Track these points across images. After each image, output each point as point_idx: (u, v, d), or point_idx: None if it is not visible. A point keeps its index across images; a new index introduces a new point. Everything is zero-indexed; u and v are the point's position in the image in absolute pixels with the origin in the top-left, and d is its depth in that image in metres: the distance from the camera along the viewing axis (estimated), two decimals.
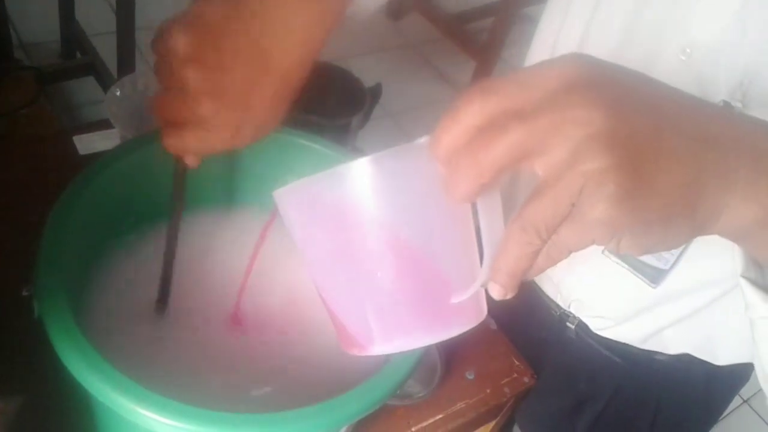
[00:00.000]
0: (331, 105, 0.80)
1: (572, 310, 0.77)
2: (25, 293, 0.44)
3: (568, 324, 0.78)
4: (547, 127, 0.30)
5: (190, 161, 0.49)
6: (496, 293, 0.34)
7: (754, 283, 0.40)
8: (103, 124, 0.81)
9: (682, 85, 0.57)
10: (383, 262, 0.36)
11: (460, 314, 0.38)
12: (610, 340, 0.76)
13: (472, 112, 0.32)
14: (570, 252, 0.33)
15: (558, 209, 0.31)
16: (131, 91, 0.74)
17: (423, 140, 0.34)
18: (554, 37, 0.69)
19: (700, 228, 0.34)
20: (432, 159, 0.33)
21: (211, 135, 0.45)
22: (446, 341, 0.39)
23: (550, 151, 0.31)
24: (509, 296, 0.34)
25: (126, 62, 1.75)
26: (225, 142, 0.46)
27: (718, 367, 0.74)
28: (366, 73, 0.86)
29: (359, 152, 0.86)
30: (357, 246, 0.36)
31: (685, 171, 0.32)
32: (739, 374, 0.77)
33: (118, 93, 0.73)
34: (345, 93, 0.82)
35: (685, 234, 0.34)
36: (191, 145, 0.46)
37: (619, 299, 0.72)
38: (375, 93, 0.84)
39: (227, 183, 0.61)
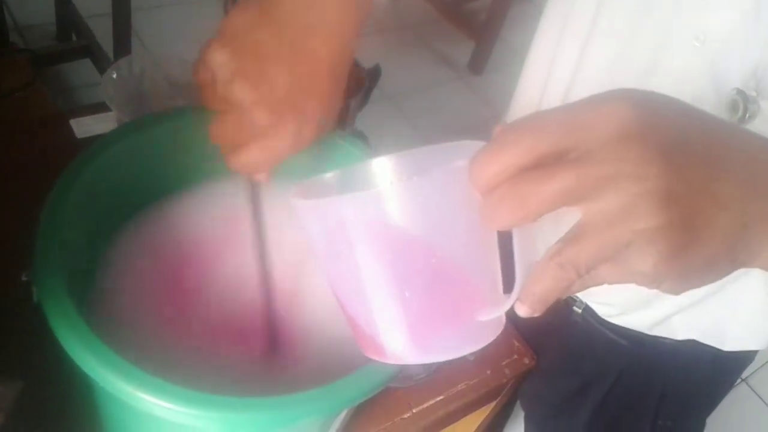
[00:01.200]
0: None
1: (579, 295, 0.77)
2: (24, 278, 0.44)
3: (574, 308, 0.78)
4: (600, 178, 0.30)
5: (262, 178, 0.48)
6: (524, 312, 0.35)
7: None
8: (100, 107, 0.80)
9: (695, 72, 0.57)
10: (415, 280, 0.36)
11: (484, 329, 0.38)
12: (617, 325, 0.76)
13: (521, 148, 0.31)
14: (605, 284, 0.34)
15: (601, 255, 0.32)
16: (128, 73, 0.73)
17: (460, 163, 0.34)
18: (561, 24, 0.68)
19: (740, 266, 0.35)
20: (470, 184, 0.33)
21: (274, 144, 0.45)
22: None
23: (600, 200, 0.31)
24: (536, 315, 0.35)
25: (122, 44, 1.74)
26: (289, 147, 0.46)
27: (725, 351, 0.74)
28: (364, 54, 0.85)
29: (359, 135, 0.85)
30: (388, 265, 0.36)
31: (731, 221, 0.32)
32: (743, 359, 0.77)
33: (114, 76, 0.73)
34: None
35: (724, 274, 0.34)
36: (258, 160, 0.46)
37: (626, 287, 0.72)
38: (373, 75, 0.84)
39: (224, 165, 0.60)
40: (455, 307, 0.37)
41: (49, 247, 0.43)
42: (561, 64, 0.68)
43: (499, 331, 0.39)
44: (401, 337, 0.37)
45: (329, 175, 0.42)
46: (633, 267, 0.32)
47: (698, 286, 0.35)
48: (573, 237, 0.32)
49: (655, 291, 0.35)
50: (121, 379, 0.38)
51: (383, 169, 0.43)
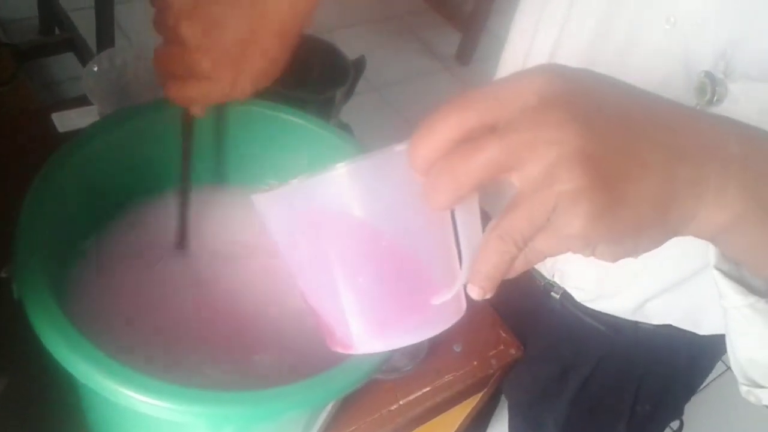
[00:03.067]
0: (314, 79, 0.79)
1: (556, 280, 0.77)
2: (3, 275, 0.43)
3: (552, 294, 0.79)
4: (522, 145, 0.31)
5: (196, 111, 0.50)
6: (476, 294, 0.35)
7: (727, 275, 0.41)
8: (82, 101, 0.79)
9: (667, 54, 0.57)
10: (367, 266, 0.37)
11: (442, 313, 0.38)
12: (595, 310, 0.77)
13: (449, 125, 0.33)
14: (546, 257, 0.35)
15: (533, 222, 0.32)
16: (109, 66, 0.72)
17: (401, 147, 0.34)
18: (539, 9, 0.68)
19: (672, 233, 0.35)
20: (410, 167, 0.34)
21: (210, 87, 0.47)
22: None
23: (525, 167, 0.32)
24: (488, 296, 0.35)
25: (105, 37, 1.72)
26: (224, 94, 0.48)
27: (702, 336, 0.74)
28: (350, 45, 0.85)
29: (344, 127, 0.85)
30: (340, 251, 0.36)
31: (657, 183, 0.33)
32: (721, 343, 0.78)
33: (95, 69, 0.72)
34: (328, 66, 0.81)
35: (657, 240, 0.35)
36: (193, 97, 0.48)
37: (601, 271, 0.72)
38: (359, 66, 0.83)
39: (211, 162, 0.60)
40: (410, 293, 0.37)
41: (29, 242, 0.43)
42: (538, 50, 0.68)
43: (459, 315, 0.39)
44: (359, 325, 0.38)
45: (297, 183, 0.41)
46: (562, 231, 0.32)
47: (633, 252, 0.35)
48: (507, 207, 0.33)
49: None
50: (103, 376, 0.38)
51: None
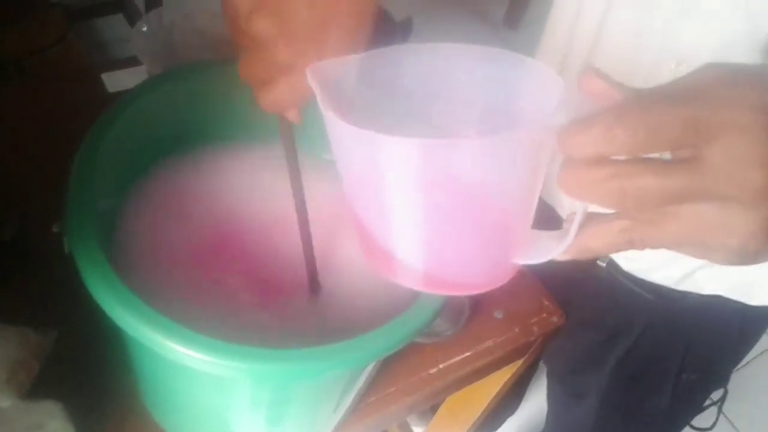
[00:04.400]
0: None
1: None
2: (55, 230, 0.44)
3: (598, 262, 0.78)
4: (711, 194, 0.30)
5: (292, 116, 0.48)
6: (562, 258, 0.36)
7: None
8: (132, 61, 0.80)
9: (727, 13, 0.55)
10: (465, 225, 0.36)
11: (505, 272, 0.38)
12: (642, 279, 0.75)
13: (634, 146, 0.30)
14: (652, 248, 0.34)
15: (675, 243, 0.32)
16: (157, 26, 0.73)
17: (539, 127, 0.32)
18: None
19: None
20: (560, 144, 0.31)
21: (299, 81, 0.43)
22: None
23: (700, 206, 0.30)
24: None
25: (154, 1, 1.73)
26: None
27: (752, 307, 0.73)
28: (395, 8, 0.84)
29: None
30: (441, 206, 0.35)
31: None
32: None
33: (144, 29, 0.72)
34: (374, 28, 0.80)
35: None
36: (285, 97, 0.45)
37: None
38: (405, 27, 0.82)
39: (256, 121, 0.60)
40: (497, 249, 0.37)
41: (79, 198, 0.44)
42: (589, 10, 0.66)
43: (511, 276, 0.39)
44: (427, 268, 0.37)
45: (351, 58, 0.40)
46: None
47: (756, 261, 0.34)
48: (651, 222, 0.32)
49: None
50: (151, 329, 0.39)
51: (421, 63, 0.40)
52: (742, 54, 0.55)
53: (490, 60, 0.38)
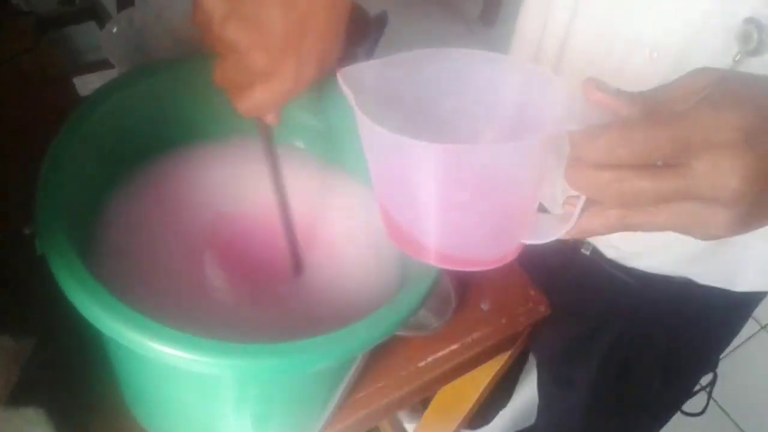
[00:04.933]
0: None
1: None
2: (26, 231, 0.43)
3: (582, 250, 0.77)
4: (699, 194, 0.35)
5: (271, 119, 0.48)
6: (564, 237, 0.40)
7: None
8: (103, 65, 0.79)
9: (701, 1, 0.55)
10: (485, 214, 0.40)
11: (514, 250, 0.43)
12: (625, 266, 0.75)
13: (635, 156, 0.35)
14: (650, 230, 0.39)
15: (666, 227, 0.37)
16: (128, 26, 0.72)
17: (555, 130, 0.37)
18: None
19: None
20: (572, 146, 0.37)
21: (274, 85, 0.44)
22: (460, 273, 0.44)
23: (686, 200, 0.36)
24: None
25: (125, 5, 1.72)
26: (291, 88, 0.45)
27: (736, 292, 0.73)
28: (370, 5, 0.83)
29: None
30: (462, 196, 0.39)
31: None
32: (755, 298, 0.77)
33: (114, 30, 0.71)
34: (349, 23, 0.80)
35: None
36: (263, 101, 0.45)
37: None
38: (380, 22, 0.82)
39: (228, 115, 0.59)
40: (508, 231, 0.42)
41: (50, 198, 0.43)
42: (558, 3, 0.66)
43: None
44: (439, 244, 0.41)
45: (373, 63, 0.43)
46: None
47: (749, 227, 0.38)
48: (644, 212, 0.37)
49: (659, 234, 0.39)
50: (129, 329, 0.38)
51: (433, 67, 0.44)
52: (716, 42, 0.55)
53: (495, 64, 0.44)
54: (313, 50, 0.44)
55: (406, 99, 0.45)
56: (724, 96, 0.36)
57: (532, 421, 1.13)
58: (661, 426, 0.92)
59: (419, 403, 1.19)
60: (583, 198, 0.39)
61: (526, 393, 1.19)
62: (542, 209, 0.77)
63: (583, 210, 0.39)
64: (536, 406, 1.07)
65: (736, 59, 0.55)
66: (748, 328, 0.83)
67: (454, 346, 0.70)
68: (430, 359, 0.69)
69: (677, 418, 0.91)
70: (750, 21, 0.52)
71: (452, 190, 0.39)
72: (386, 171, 0.41)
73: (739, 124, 0.34)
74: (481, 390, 0.88)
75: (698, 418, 0.90)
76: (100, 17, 1.74)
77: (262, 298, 0.51)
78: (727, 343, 0.83)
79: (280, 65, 0.43)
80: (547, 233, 0.41)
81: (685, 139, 0.35)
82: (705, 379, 0.89)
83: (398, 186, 0.41)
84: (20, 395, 0.50)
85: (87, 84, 0.79)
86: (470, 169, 0.38)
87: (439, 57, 0.43)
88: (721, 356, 0.86)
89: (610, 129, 0.36)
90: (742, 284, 0.72)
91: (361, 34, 0.79)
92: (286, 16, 0.43)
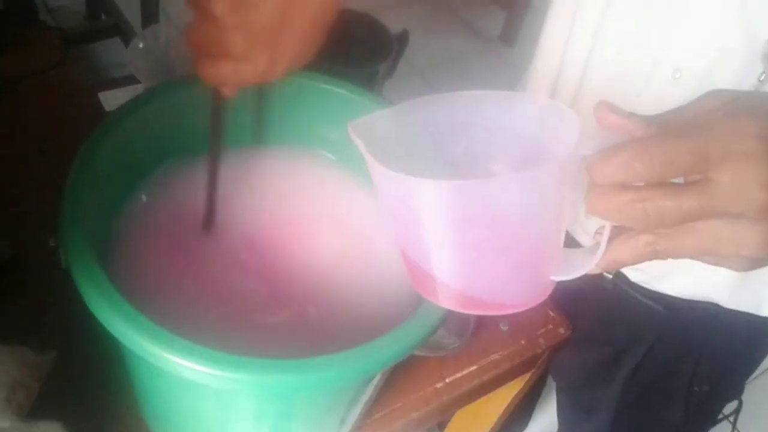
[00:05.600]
0: (358, 53, 0.78)
1: None
2: (52, 243, 0.44)
3: (605, 274, 0.76)
4: (722, 212, 0.34)
5: (227, 92, 0.49)
6: (594, 272, 0.39)
7: None
8: (129, 80, 0.80)
9: (725, 22, 0.55)
10: (500, 253, 0.39)
11: (543, 290, 0.41)
12: (649, 290, 0.74)
13: (652, 175, 0.34)
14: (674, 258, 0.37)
15: (697, 254, 0.37)
16: (153, 43, 0.73)
17: (563, 158, 0.36)
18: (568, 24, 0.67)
19: None
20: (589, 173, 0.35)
21: (245, 68, 0.45)
22: None
23: (714, 221, 0.35)
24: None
25: (150, 21, 1.75)
26: (259, 75, 0.46)
27: (762, 317, 0.72)
28: (392, 26, 0.84)
29: (387, 101, 0.84)
30: (474, 236, 0.38)
31: None
32: None
33: (140, 45, 0.72)
34: (371, 41, 0.80)
35: None
36: (226, 77, 0.46)
37: None
38: (402, 40, 0.82)
39: (254, 126, 0.60)
40: (532, 270, 0.40)
41: (74, 211, 0.43)
42: (580, 24, 0.66)
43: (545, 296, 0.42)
44: (470, 292, 0.40)
45: (383, 113, 0.43)
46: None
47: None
48: (671, 236, 0.36)
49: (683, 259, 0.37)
50: (151, 342, 0.38)
51: (443, 110, 0.44)
52: (740, 61, 0.55)
53: (504, 101, 0.42)
54: (290, 49, 0.46)
55: (419, 146, 0.44)
56: (740, 108, 0.34)
57: None
58: None
59: (436, 425, 1.18)
60: (608, 226, 0.38)
61: (545, 419, 1.18)
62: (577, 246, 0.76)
63: (609, 240, 0.38)
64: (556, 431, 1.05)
65: (761, 79, 0.54)
66: None
67: (472, 367, 0.70)
68: (448, 380, 0.68)
69: None
70: None
71: (464, 229, 0.37)
72: (399, 213, 0.40)
73: (759, 132, 0.33)
74: (499, 413, 0.87)
75: None
76: (124, 33, 1.77)
77: (281, 312, 0.51)
78: (753, 370, 0.81)
79: (255, 53, 0.44)
80: (576, 268, 0.40)
81: (704, 150, 0.33)
82: (729, 407, 0.87)
83: (413, 228, 0.40)
84: (40, 408, 0.50)
85: (112, 99, 0.80)
86: (479, 205, 0.36)
87: (447, 101, 0.43)
88: (746, 383, 0.84)
89: (625, 146, 0.34)
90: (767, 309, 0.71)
91: (383, 52, 0.79)
92: (276, 9, 0.44)
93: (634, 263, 0.38)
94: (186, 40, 0.46)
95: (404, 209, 0.39)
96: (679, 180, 0.35)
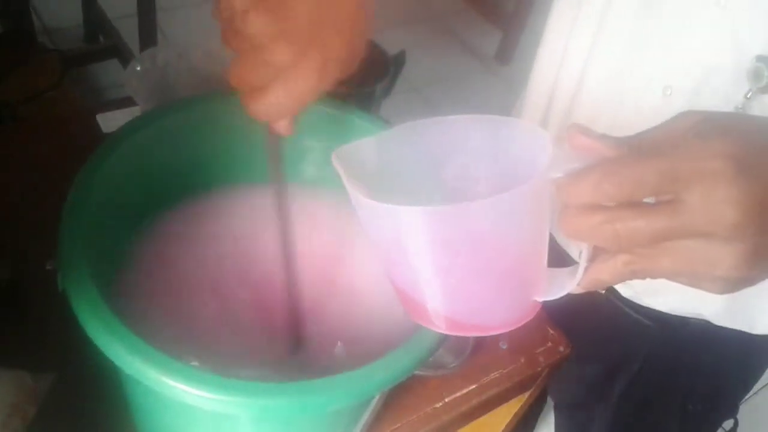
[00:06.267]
0: (355, 73, 0.78)
1: None
2: (48, 267, 0.44)
3: (598, 290, 0.77)
4: (693, 232, 0.34)
5: (284, 127, 0.44)
6: (576, 291, 0.39)
7: None
8: (127, 103, 0.80)
9: (715, 37, 0.55)
10: (482, 275, 0.39)
11: (529, 310, 0.42)
12: (642, 306, 0.74)
13: (622, 195, 0.34)
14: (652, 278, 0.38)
15: (676, 275, 0.36)
16: (151, 65, 0.73)
17: (540, 179, 0.36)
18: (576, 6, 0.67)
19: None
20: (554, 191, 0.36)
21: (297, 84, 0.41)
22: None
23: (686, 240, 0.34)
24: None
25: (148, 43, 1.76)
26: (314, 87, 0.41)
27: (755, 335, 0.72)
28: (389, 45, 0.84)
29: (386, 122, 0.84)
30: (456, 262, 0.38)
31: None
32: None
33: (138, 68, 0.72)
34: (368, 61, 0.80)
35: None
36: (281, 102, 0.41)
37: None
38: (399, 60, 0.83)
39: (255, 160, 0.60)
40: (516, 291, 0.41)
41: (73, 234, 0.43)
42: (576, 43, 0.67)
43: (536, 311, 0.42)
44: (456, 316, 0.41)
45: (368, 140, 0.43)
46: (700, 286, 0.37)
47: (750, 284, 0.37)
48: (648, 256, 0.36)
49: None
50: (148, 366, 0.38)
51: (428, 137, 0.44)
52: (728, 79, 0.56)
53: (486, 125, 0.42)
54: (341, 46, 0.42)
55: (406, 172, 0.44)
56: (711, 129, 0.34)
57: None
58: None
59: None
60: (586, 246, 0.38)
61: None
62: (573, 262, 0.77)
63: (590, 259, 0.38)
64: None
65: (748, 96, 0.55)
66: None
67: (471, 386, 0.69)
68: (447, 399, 0.68)
69: None
70: (761, 59, 0.53)
71: (441, 254, 0.38)
72: (381, 240, 0.40)
73: (728, 151, 0.33)
74: None
75: None
76: (122, 55, 1.78)
77: (281, 339, 0.51)
78: (748, 388, 0.81)
79: (305, 61, 0.40)
80: (558, 289, 0.40)
81: (673, 170, 0.33)
82: (726, 426, 0.86)
83: (395, 255, 0.40)
84: (36, 431, 0.49)
85: (111, 121, 0.80)
86: (454, 230, 0.37)
87: (432, 126, 0.43)
88: (741, 402, 0.84)
89: (594, 167, 0.34)
90: (762, 327, 0.71)
91: (380, 72, 0.80)
92: (315, 6, 0.41)
93: (614, 283, 0.38)
94: (231, 79, 0.42)
95: (385, 236, 0.39)
96: (652, 200, 0.35)
